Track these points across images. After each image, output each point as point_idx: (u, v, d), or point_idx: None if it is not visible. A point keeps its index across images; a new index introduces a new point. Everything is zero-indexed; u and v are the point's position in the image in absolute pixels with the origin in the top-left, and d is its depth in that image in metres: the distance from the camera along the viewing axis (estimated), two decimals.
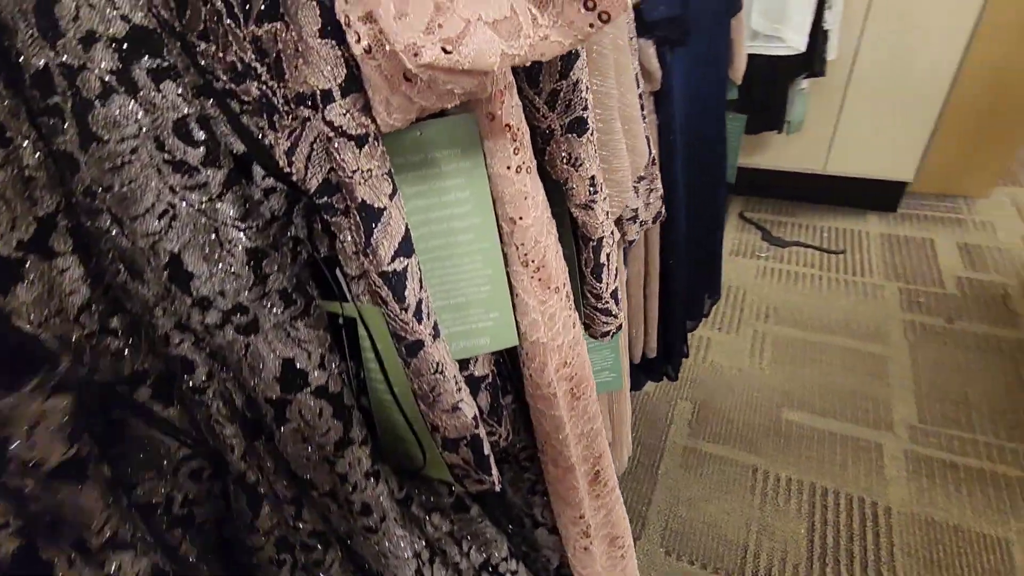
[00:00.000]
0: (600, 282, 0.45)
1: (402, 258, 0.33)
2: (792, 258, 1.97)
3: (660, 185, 0.67)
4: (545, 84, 0.37)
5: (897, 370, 1.54)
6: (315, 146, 0.31)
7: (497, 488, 0.43)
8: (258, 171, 0.34)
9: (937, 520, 1.20)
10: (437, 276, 0.38)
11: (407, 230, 0.33)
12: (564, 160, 0.40)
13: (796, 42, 1.50)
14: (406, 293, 0.34)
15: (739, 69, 1.01)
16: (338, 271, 0.36)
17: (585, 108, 0.38)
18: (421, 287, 0.34)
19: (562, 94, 0.37)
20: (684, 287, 1.03)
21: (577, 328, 0.43)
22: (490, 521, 0.52)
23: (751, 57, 1.14)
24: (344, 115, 0.30)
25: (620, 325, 0.50)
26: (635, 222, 0.61)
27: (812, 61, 1.60)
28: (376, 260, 0.32)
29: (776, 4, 1.42)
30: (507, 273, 0.39)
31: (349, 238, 0.34)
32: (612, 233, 0.45)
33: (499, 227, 0.37)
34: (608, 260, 0.45)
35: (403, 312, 0.34)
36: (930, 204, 2.12)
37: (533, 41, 0.27)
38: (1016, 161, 2.27)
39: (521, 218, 0.36)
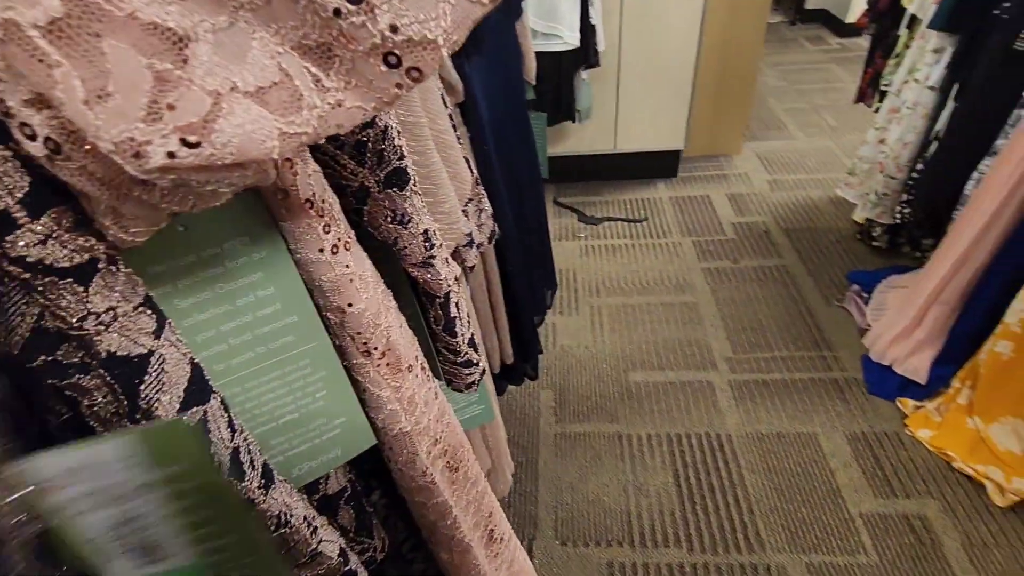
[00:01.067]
0: (455, 336, 0.41)
1: (196, 408, 0.26)
2: (606, 233, 2.15)
3: (487, 204, 0.66)
4: (347, 136, 0.32)
5: (706, 312, 1.77)
6: (3, 286, 0.22)
7: None
8: None
9: (764, 434, 1.41)
10: (254, 398, 0.31)
11: (195, 368, 0.26)
12: (388, 219, 0.35)
13: (570, 38, 1.62)
14: (212, 451, 0.26)
15: (531, 69, 1.05)
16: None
17: (401, 157, 0.34)
18: (233, 431, 0.27)
19: (370, 145, 0.32)
20: (527, 287, 1.05)
21: (439, 397, 0.39)
22: None
23: (536, 56, 1.20)
24: (42, 243, 0.20)
25: (484, 370, 0.47)
26: (471, 247, 0.59)
27: (588, 54, 1.74)
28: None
29: (548, 5, 1.51)
30: (346, 369, 0.33)
31: (101, 399, 0.25)
32: (456, 279, 0.41)
33: (325, 319, 0.31)
34: (459, 310, 0.41)
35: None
36: (701, 165, 2.47)
37: (323, 111, 0.22)
38: (750, 119, 2.75)
39: (351, 304, 0.31)
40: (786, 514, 1.24)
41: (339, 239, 0.30)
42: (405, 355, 0.34)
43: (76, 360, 0.23)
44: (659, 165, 2.38)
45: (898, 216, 1.71)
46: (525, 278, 1.04)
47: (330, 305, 0.30)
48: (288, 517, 0.29)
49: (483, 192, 0.62)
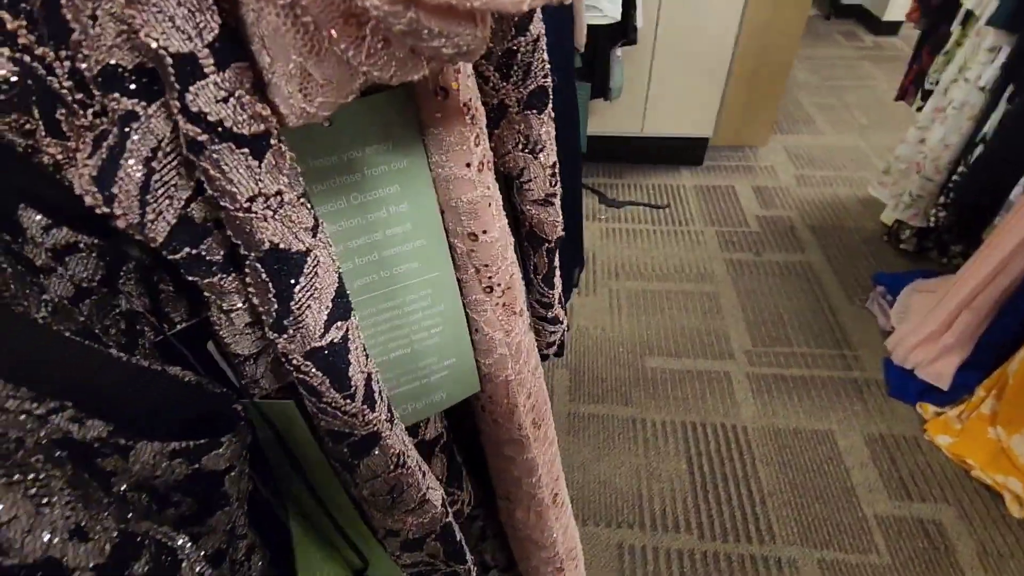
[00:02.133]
0: (552, 288, 0.38)
1: (339, 323, 0.22)
2: (627, 217, 2.11)
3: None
4: (494, 42, 0.28)
5: (726, 303, 1.74)
6: (157, 162, 0.19)
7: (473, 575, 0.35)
8: (32, 217, 0.20)
9: (780, 428, 1.39)
10: (369, 327, 0.28)
11: (340, 280, 0.22)
12: (520, 145, 0.31)
13: (612, 10, 1.56)
14: (350, 372, 0.23)
15: (581, 35, 1.00)
16: (212, 347, 0.24)
17: (547, 75, 0.30)
18: (367, 357, 0.24)
19: (520, 56, 0.28)
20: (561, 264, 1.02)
21: (535, 349, 0.37)
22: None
23: None
24: (224, 101, 0.17)
25: (567, 328, 0.44)
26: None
27: (626, 29, 1.68)
28: (302, 333, 0.21)
29: None
30: (464, 306, 0.30)
31: (241, 304, 0.22)
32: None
33: (452, 247, 0.28)
34: (559, 262, 0.38)
35: (348, 402, 0.23)
36: (727, 155, 2.42)
37: None
38: (779, 112, 2.69)
39: (485, 232, 0.28)
40: (799, 508, 1.23)
41: (485, 156, 0.26)
42: (520, 297, 0.31)
43: (219, 257, 0.20)
44: (685, 152, 2.33)
45: (931, 219, 1.68)
46: (565, 248, 1.01)
47: (463, 230, 0.27)
48: (405, 458, 0.27)
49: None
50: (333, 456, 0.26)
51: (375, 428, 0.25)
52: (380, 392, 0.25)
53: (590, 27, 1.60)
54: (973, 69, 1.49)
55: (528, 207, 0.34)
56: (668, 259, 1.92)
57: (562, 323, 0.43)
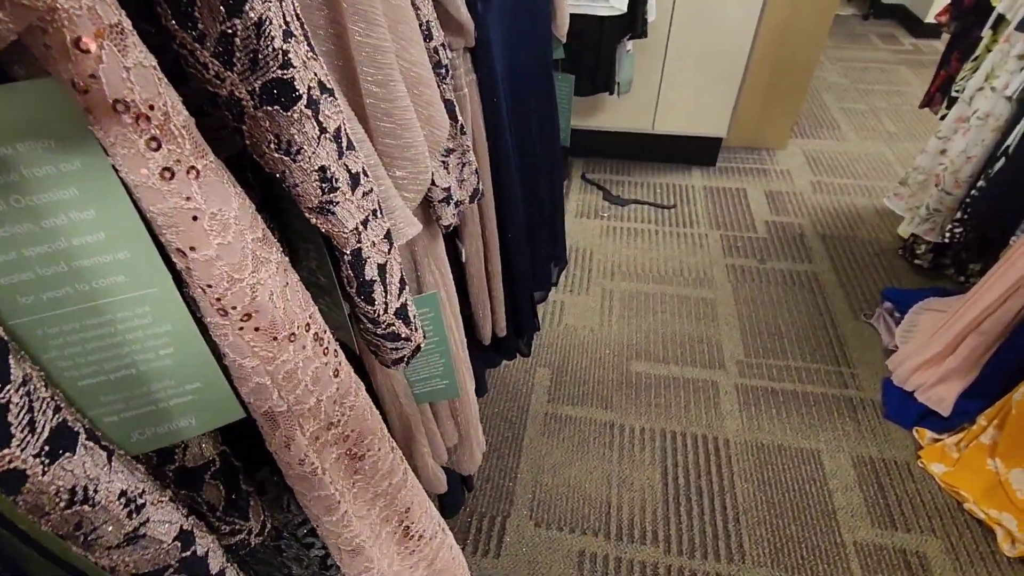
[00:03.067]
0: (371, 304, 0.35)
1: None
2: (631, 215, 2.06)
3: (473, 158, 0.59)
4: (207, 24, 0.24)
5: (723, 311, 1.68)
6: None
7: None
8: None
9: (764, 443, 1.34)
10: (75, 344, 0.25)
11: None
12: (272, 145, 0.28)
13: (617, 3, 1.51)
14: None
15: (562, 24, 0.96)
16: None
17: (285, 66, 0.26)
18: (3, 380, 0.21)
19: (238, 42, 0.25)
20: (528, 259, 0.99)
21: (343, 374, 0.33)
22: None
23: (578, 19, 1.11)
24: None
25: (418, 346, 0.41)
26: (449, 203, 0.52)
27: (635, 23, 1.63)
28: None
29: None
30: (203, 327, 0.27)
31: None
32: (386, 237, 0.35)
33: (170, 261, 0.25)
34: (382, 274, 0.35)
35: None
36: (741, 157, 2.34)
37: None
38: (801, 115, 2.59)
39: (193, 248, 0.24)
40: (774, 529, 1.18)
41: (177, 161, 0.23)
42: (284, 321, 0.28)
43: None
44: (697, 152, 2.26)
45: (947, 235, 1.58)
46: (528, 249, 0.98)
47: (170, 245, 0.25)
48: (90, 492, 0.24)
49: (468, 145, 0.55)
50: None
51: (12, 466, 0.22)
52: (30, 424, 0.22)
53: (595, 18, 1.55)
54: (1000, 77, 1.40)
55: (307, 214, 0.31)
56: (668, 261, 1.86)
57: (406, 339, 0.40)
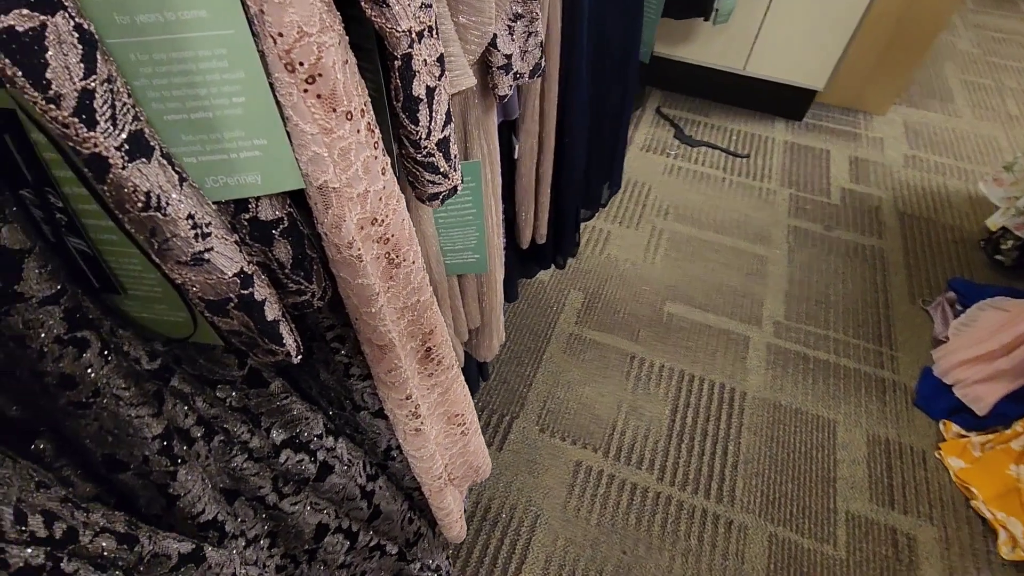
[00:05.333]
0: (415, 124, 0.35)
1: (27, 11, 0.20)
2: (699, 158, 1.97)
3: (541, 30, 0.57)
4: None
5: (774, 270, 1.63)
6: None
7: (295, 359, 0.36)
8: None
9: (782, 404, 1.33)
10: (162, 75, 0.26)
11: None
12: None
13: None
14: (48, 73, 0.21)
15: None
16: None
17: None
18: (88, 72, 0.23)
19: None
20: (582, 171, 0.97)
21: (389, 178, 0.35)
22: (299, 397, 0.46)
23: None
24: None
25: (454, 188, 0.42)
26: (507, 72, 0.51)
27: None
28: None
29: None
30: (270, 84, 0.28)
31: None
32: (438, 61, 0.35)
33: (244, 5, 0.26)
34: (430, 97, 0.35)
35: (48, 104, 0.22)
36: (833, 116, 2.17)
37: None
38: (914, 81, 2.35)
39: None
40: (769, 482, 1.20)
41: None
42: (343, 96, 0.29)
43: None
44: (786, 102, 2.10)
45: None
46: (583, 160, 0.96)
47: None
48: (163, 203, 0.27)
49: (538, 13, 0.53)
50: (87, 177, 0.26)
51: (96, 150, 0.25)
52: (113, 117, 0.25)
53: None
54: None
55: (364, 4, 0.30)
56: (728, 211, 1.79)
57: (444, 175, 0.40)
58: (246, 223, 0.33)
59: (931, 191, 1.90)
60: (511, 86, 0.53)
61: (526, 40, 0.53)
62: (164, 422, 0.35)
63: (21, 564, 0.26)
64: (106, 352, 0.32)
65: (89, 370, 0.31)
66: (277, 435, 0.44)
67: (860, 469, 1.24)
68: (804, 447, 1.27)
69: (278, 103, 0.29)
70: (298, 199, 0.35)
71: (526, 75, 0.57)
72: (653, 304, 1.53)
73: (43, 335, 0.29)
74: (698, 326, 1.49)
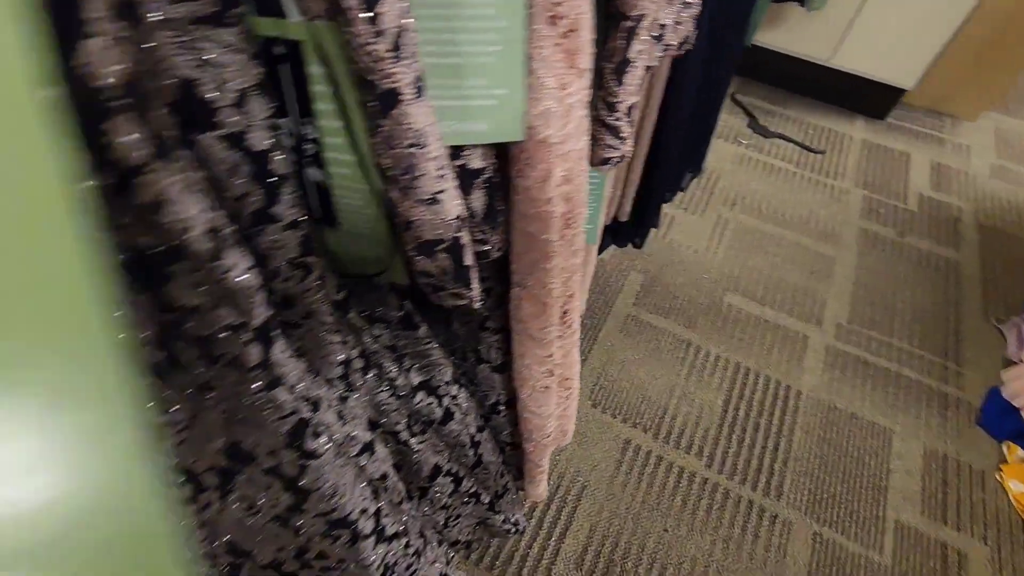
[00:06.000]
0: (621, 85, 0.35)
1: None
2: (772, 150, 1.91)
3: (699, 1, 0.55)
4: None
5: (840, 271, 1.59)
6: None
7: (476, 305, 0.37)
8: None
9: (838, 407, 1.31)
10: (431, 10, 0.27)
11: None
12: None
13: None
14: (379, 7, 0.24)
15: None
16: None
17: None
18: (404, 2, 0.24)
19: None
20: (677, 152, 0.96)
21: (586, 139, 0.35)
22: (438, 344, 0.48)
23: None
24: None
25: (624, 155, 0.42)
26: (659, 41, 0.50)
27: None
28: None
29: None
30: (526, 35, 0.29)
31: None
32: (661, 27, 0.35)
33: None
34: (638, 58, 0.35)
35: (374, 37, 0.24)
36: (918, 119, 2.07)
37: None
38: (1012, 88, 2.21)
39: None
40: (818, 482, 1.19)
41: None
42: (584, 52, 0.30)
43: None
44: (870, 99, 2.01)
45: None
46: (680, 141, 0.94)
47: None
48: (424, 140, 0.28)
49: None
50: (365, 110, 0.27)
51: (395, 84, 0.26)
52: (412, 53, 0.26)
53: None
54: None
55: None
56: (797, 207, 1.74)
57: (622, 141, 0.41)
58: (456, 170, 0.34)
59: (1017, 205, 1.81)
60: (658, 57, 0.52)
61: (681, 10, 0.52)
62: (347, 350, 0.37)
63: None
64: (321, 280, 0.34)
65: (307, 293, 0.33)
66: (415, 376, 0.46)
67: (914, 481, 1.21)
68: (857, 452, 1.25)
69: (527, 57, 0.29)
70: (500, 152, 0.35)
71: (674, 47, 0.56)
72: (712, 293, 1.51)
73: (280, 256, 0.31)
74: (756, 319, 1.46)
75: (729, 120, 2.00)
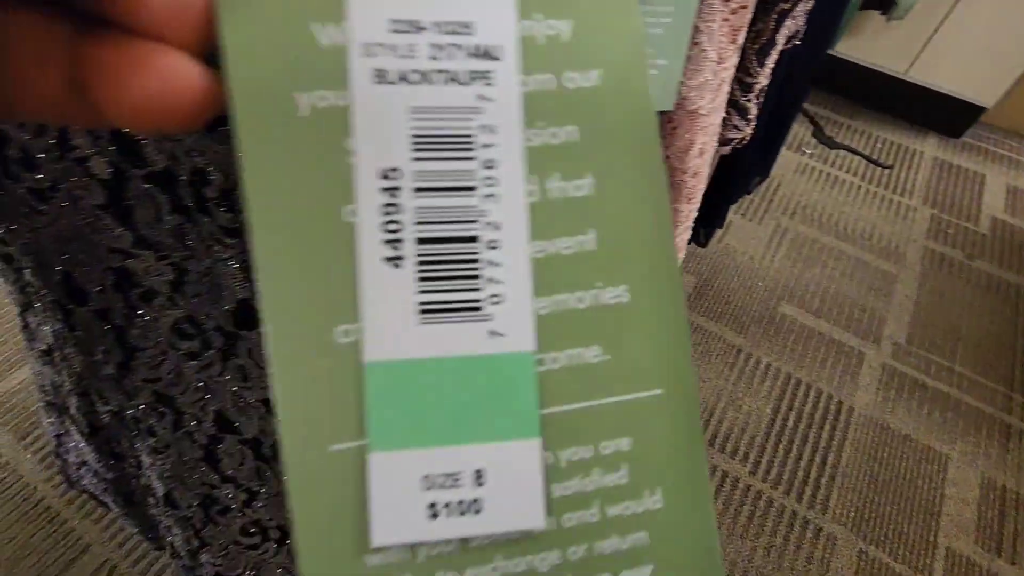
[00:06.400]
0: (762, 66, 0.36)
1: None
2: (836, 161, 1.87)
3: None
4: None
5: (902, 290, 1.54)
6: None
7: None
8: None
9: (892, 427, 1.28)
10: None
11: None
12: None
13: None
14: None
15: None
16: None
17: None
18: None
19: None
20: (749, 151, 0.95)
21: (721, 116, 0.36)
22: None
23: None
24: None
25: (745, 138, 0.43)
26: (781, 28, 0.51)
27: None
28: None
29: None
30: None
31: None
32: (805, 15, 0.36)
33: None
34: (780, 41, 0.36)
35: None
36: (996, 139, 1.98)
37: None
38: None
39: None
40: (867, 501, 1.17)
41: None
42: (746, 27, 0.31)
43: None
44: (945, 116, 1.94)
45: None
46: (759, 141, 0.93)
47: None
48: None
49: None
50: None
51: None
52: None
53: None
54: None
55: None
56: (859, 221, 1.70)
57: (748, 123, 0.41)
58: None
59: None
60: (778, 49, 0.53)
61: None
62: None
63: None
64: None
65: None
66: None
67: (969, 509, 1.17)
68: (910, 475, 1.21)
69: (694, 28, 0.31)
70: None
71: (795, 39, 0.56)
72: (766, 302, 1.49)
73: None
74: (810, 331, 1.44)
75: (794, 129, 1.96)
